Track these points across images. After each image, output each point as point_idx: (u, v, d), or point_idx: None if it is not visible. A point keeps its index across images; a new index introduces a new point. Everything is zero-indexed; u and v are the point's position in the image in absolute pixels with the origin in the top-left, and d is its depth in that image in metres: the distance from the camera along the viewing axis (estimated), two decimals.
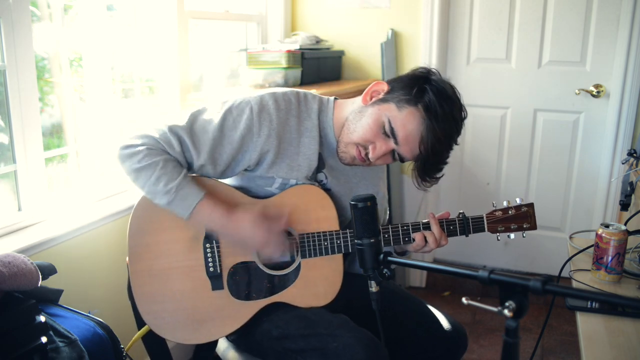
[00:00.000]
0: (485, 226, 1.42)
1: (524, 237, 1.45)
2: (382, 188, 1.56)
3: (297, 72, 2.47)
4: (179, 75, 2.22)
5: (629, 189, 1.66)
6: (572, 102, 2.72)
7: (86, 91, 1.94)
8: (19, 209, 1.67)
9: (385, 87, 1.36)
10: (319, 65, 2.65)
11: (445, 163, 1.36)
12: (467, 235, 1.43)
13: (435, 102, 1.27)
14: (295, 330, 1.33)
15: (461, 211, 1.44)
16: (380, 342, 1.28)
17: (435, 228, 1.38)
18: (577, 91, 2.65)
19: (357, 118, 1.35)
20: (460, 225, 1.42)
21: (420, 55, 2.80)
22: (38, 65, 1.72)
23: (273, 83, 2.39)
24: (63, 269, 1.50)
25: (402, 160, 1.35)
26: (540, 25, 2.69)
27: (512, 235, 1.44)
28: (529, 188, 2.90)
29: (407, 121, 1.28)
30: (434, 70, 1.35)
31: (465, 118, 1.34)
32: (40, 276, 1.28)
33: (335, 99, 1.46)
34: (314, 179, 1.42)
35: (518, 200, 1.45)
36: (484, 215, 1.43)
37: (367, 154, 1.34)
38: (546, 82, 2.75)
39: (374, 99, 1.36)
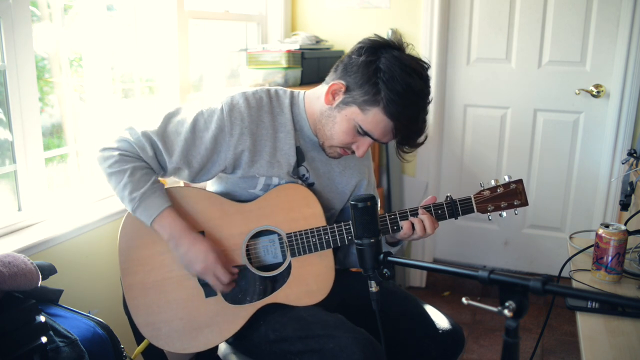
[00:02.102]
0: (474, 207, 1.40)
1: (516, 214, 1.42)
2: (367, 175, 1.55)
3: (297, 72, 2.47)
4: (179, 75, 2.23)
5: (629, 189, 1.66)
6: (572, 102, 2.72)
7: (86, 91, 1.94)
8: (19, 209, 1.67)
9: (342, 86, 1.33)
10: (319, 65, 2.65)
11: (425, 127, 1.36)
12: (456, 218, 1.41)
13: (392, 98, 1.26)
14: (292, 333, 1.33)
15: (448, 194, 1.42)
16: (378, 342, 1.27)
17: (422, 214, 1.38)
18: (577, 91, 2.65)
19: (329, 123, 1.36)
20: (448, 209, 1.40)
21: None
22: (38, 65, 1.72)
23: (273, 83, 2.39)
24: (63, 269, 1.50)
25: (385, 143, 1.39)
26: (540, 25, 2.69)
27: (504, 214, 1.42)
28: (529, 188, 2.89)
29: (376, 121, 1.30)
30: (378, 41, 1.32)
31: (429, 78, 1.34)
32: (40, 276, 1.28)
33: (304, 92, 1.47)
34: (296, 174, 1.42)
35: (506, 178, 1.41)
36: (472, 195, 1.41)
37: (352, 151, 1.39)
38: (546, 82, 2.74)
39: (337, 100, 1.34)
